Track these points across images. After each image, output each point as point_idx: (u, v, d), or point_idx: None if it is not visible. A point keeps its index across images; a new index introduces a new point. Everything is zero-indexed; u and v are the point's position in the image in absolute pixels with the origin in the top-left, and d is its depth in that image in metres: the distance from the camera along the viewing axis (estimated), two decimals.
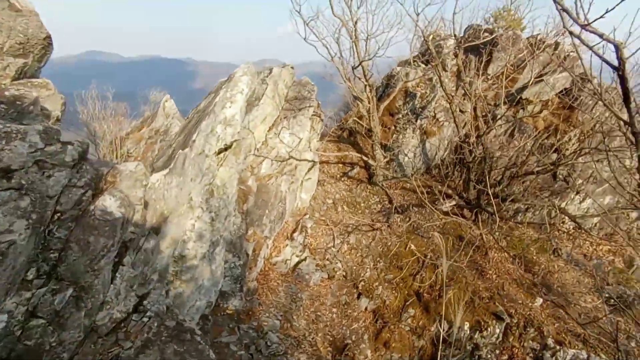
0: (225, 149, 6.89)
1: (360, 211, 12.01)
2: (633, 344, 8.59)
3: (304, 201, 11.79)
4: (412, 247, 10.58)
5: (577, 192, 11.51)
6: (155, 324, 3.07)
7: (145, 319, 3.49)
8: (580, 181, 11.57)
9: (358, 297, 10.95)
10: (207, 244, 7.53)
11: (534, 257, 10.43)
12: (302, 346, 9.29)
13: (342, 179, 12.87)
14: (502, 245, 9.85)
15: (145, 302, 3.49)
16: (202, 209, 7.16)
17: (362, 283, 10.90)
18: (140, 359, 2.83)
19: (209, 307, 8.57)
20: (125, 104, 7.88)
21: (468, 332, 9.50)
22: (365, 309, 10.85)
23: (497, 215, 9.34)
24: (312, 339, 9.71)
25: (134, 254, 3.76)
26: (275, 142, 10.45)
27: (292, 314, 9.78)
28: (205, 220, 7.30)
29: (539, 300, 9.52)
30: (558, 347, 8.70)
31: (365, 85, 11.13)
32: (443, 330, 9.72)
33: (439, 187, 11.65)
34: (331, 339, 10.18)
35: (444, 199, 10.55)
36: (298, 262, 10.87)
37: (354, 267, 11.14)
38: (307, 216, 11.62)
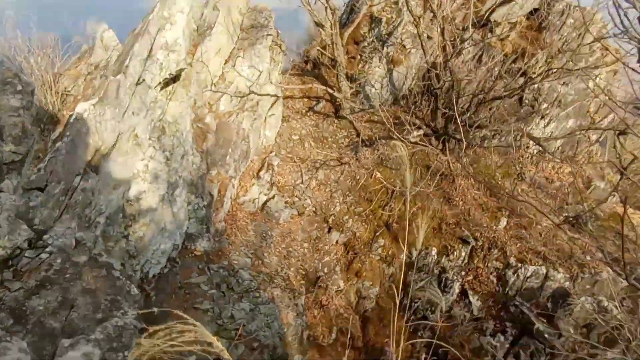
0: (174, 81, 6.24)
1: (327, 146, 11.71)
2: (588, 258, 9.07)
3: (269, 138, 11.34)
4: (380, 177, 10.50)
5: (542, 117, 11.54)
6: (59, 260, 2.76)
7: (44, 256, 3.13)
8: (545, 105, 11.56)
9: (329, 231, 11.00)
10: (164, 185, 7.11)
11: (499, 182, 10.61)
12: (275, 281, 9.36)
13: (308, 114, 12.38)
14: (469, 171, 9.90)
15: (46, 237, 3.15)
16: (154, 148, 6.64)
17: (332, 217, 10.89)
18: (33, 301, 2.52)
19: (175, 249, 8.35)
20: (53, 35, 6.92)
21: (435, 257, 9.79)
22: (336, 242, 10.96)
23: (464, 142, 9.26)
24: (285, 273, 9.79)
25: (17, 177, 3.31)
26: (234, 76, 9.72)
27: (262, 251, 9.74)
28: (159, 160, 6.81)
29: (503, 222, 9.80)
30: (519, 265, 9.11)
31: (327, 8, 10.32)
32: (412, 256, 9.97)
33: (407, 117, 11.39)
34: (304, 272, 10.33)
35: (411, 129, 10.34)
36: (266, 201, 10.66)
37: (324, 202, 11.06)
38: (273, 154, 11.24)
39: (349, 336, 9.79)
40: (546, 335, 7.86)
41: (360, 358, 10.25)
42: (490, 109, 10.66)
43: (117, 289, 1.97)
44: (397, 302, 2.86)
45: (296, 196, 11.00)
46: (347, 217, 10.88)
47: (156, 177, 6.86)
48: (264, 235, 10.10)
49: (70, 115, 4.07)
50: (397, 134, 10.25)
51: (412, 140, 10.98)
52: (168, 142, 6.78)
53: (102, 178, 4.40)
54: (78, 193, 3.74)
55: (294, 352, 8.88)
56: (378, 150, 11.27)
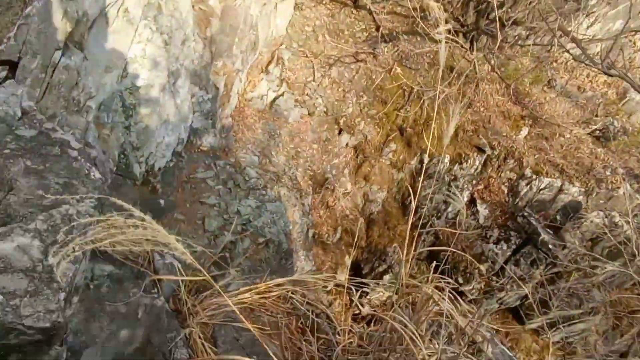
0: None
1: (343, 40, 10.72)
2: (608, 173, 8.70)
3: (279, 29, 10.34)
4: (401, 73, 9.72)
5: (588, 15, 10.21)
6: None
7: None
8: (593, 1, 10.16)
9: (339, 133, 10.61)
10: (164, 72, 6.57)
11: (527, 89, 9.81)
12: (282, 180, 9.29)
13: (324, 2, 11.13)
14: (496, 72, 9.08)
15: None
16: (150, 30, 5.97)
17: (344, 119, 10.41)
18: None
19: (180, 143, 8.12)
20: None
21: (448, 164, 9.49)
22: (346, 145, 10.63)
23: (498, 38, 8.28)
24: (292, 174, 9.68)
25: None
26: None
27: (270, 150, 9.50)
28: (157, 43, 6.17)
29: (524, 132, 9.28)
30: (534, 177, 8.80)
31: None
32: (424, 162, 9.69)
33: (435, 10, 10.15)
34: (311, 173, 10.22)
35: (439, 22, 9.25)
36: (275, 98, 10.11)
37: (336, 103, 10.48)
38: (284, 46, 10.35)
39: (357, 236, 10.01)
40: (550, 246, 7.85)
41: (362, 257, 10.64)
42: (530, 3, 9.39)
43: (73, 171, 1.69)
44: (412, 207, 2.58)
45: (307, 94, 10.40)
46: (359, 119, 10.39)
47: (155, 64, 6.30)
48: (272, 134, 9.77)
49: None
50: (422, 29, 9.22)
51: (438, 36, 9.92)
52: (166, 23, 6.07)
53: (89, 57, 3.94)
54: (60, 71, 3.31)
55: (299, 248, 9.16)
56: (398, 47, 10.30)
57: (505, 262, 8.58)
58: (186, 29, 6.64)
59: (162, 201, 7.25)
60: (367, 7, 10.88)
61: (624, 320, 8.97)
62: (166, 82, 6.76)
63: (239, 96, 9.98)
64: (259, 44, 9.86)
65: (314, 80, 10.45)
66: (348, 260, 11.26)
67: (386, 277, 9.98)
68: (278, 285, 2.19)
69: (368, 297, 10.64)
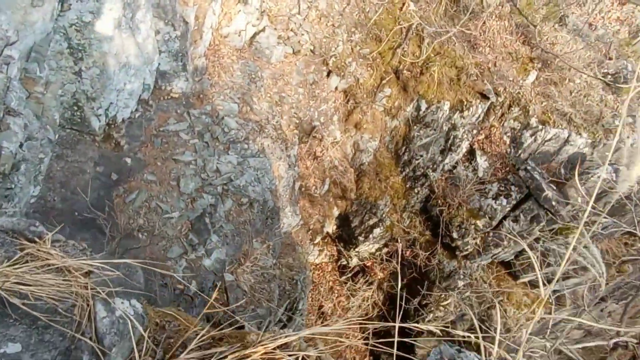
0: None
1: None
2: (617, 122, 8.10)
3: None
4: (397, 4, 8.54)
5: None
6: None
7: None
8: None
9: (328, 75, 9.52)
10: (118, 4, 5.31)
11: (538, 26, 8.79)
12: (266, 130, 8.34)
13: None
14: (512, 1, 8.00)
15: None
16: None
17: (333, 59, 9.28)
18: None
19: (146, 90, 6.99)
20: None
21: (447, 112, 8.68)
22: (336, 88, 9.60)
23: None
24: (277, 122, 8.72)
25: None
26: None
27: (251, 95, 8.41)
28: None
29: (532, 76, 8.45)
30: (540, 127, 8.15)
31: None
32: (421, 109, 8.86)
33: None
34: (297, 121, 9.27)
35: None
36: (255, 34, 8.82)
37: (324, 40, 9.26)
38: None
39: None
40: (553, 203, 7.41)
41: (352, 209, 10.11)
42: None
43: None
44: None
45: (291, 30, 9.10)
46: (350, 59, 9.27)
47: None
48: (253, 76, 8.62)
49: None
50: None
51: None
52: None
53: None
54: None
55: (285, 204, 8.50)
56: None
57: (504, 218, 8.19)
58: None
59: (128, 159, 6.30)
60: None
61: (612, 269, 8.88)
62: (121, 15, 5.50)
63: (213, 31, 8.63)
64: None
65: (299, 13, 9.09)
66: (336, 212, 10.76)
67: (376, 231, 9.56)
68: (282, 347, 1.48)
69: (357, 249, 10.28)
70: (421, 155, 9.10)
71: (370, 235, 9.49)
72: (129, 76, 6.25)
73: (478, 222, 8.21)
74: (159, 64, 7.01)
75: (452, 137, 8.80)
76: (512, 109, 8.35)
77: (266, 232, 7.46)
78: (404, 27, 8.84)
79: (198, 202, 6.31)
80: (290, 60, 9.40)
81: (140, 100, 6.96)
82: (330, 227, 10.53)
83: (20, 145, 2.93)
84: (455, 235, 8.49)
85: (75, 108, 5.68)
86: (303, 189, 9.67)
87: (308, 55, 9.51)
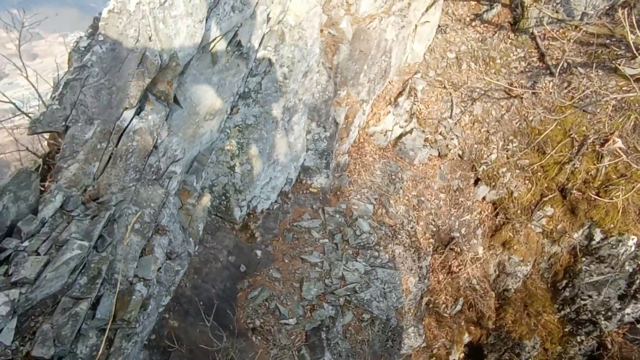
0: None
1: (494, 70, 8.75)
2: None
3: (416, 54, 8.85)
4: (569, 116, 7.46)
5: None
6: None
7: None
8: None
9: (475, 184, 8.64)
10: (279, 109, 5.57)
11: None
12: (399, 236, 7.71)
13: (473, 24, 9.29)
14: None
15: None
16: (269, 61, 4.98)
17: (484, 167, 8.43)
18: None
19: (288, 183, 7.14)
20: None
21: (633, 248, 6.88)
22: (483, 199, 8.59)
23: None
24: (412, 228, 8.04)
25: None
26: None
27: (388, 197, 8.00)
28: (275, 77, 5.19)
29: None
30: None
31: None
32: (594, 239, 7.23)
33: (630, 36, 7.58)
34: (434, 229, 8.44)
35: (636, 53, 6.73)
36: (401, 135, 8.63)
37: (475, 146, 8.56)
38: (419, 75, 8.82)
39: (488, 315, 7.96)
40: None
41: (487, 342, 8.46)
42: None
43: None
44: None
45: (440, 133, 8.67)
46: (504, 169, 8.30)
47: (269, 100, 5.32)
48: (393, 177, 8.27)
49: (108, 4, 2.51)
50: (611, 61, 6.85)
51: (633, 71, 7.41)
52: (287, 54, 5.05)
53: (184, 106, 3.02)
54: (130, 137, 2.40)
55: (409, 322, 7.46)
56: (570, 83, 7.98)
57: None
58: (310, 60, 5.56)
59: (259, 252, 6.29)
60: (530, 30, 8.73)
61: None
62: (280, 118, 5.76)
63: (360, 130, 8.72)
64: (390, 72, 8.49)
65: (450, 117, 8.67)
66: (466, 339, 9.14)
67: None
68: None
69: None
70: (589, 296, 7.27)
71: None
72: (276, 172, 6.44)
73: None
74: (305, 159, 7.18)
75: (637, 280, 6.86)
76: None
77: (385, 357, 6.50)
78: (577, 140, 7.63)
79: (317, 311, 5.83)
80: (434, 164, 8.86)
81: (281, 193, 7.13)
82: (457, 355, 8.92)
83: (159, 269, 2.88)
84: None
85: (223, 198, 5.96)
86: (431, 305, 8.51)
87: (455, 159, 8.86)
